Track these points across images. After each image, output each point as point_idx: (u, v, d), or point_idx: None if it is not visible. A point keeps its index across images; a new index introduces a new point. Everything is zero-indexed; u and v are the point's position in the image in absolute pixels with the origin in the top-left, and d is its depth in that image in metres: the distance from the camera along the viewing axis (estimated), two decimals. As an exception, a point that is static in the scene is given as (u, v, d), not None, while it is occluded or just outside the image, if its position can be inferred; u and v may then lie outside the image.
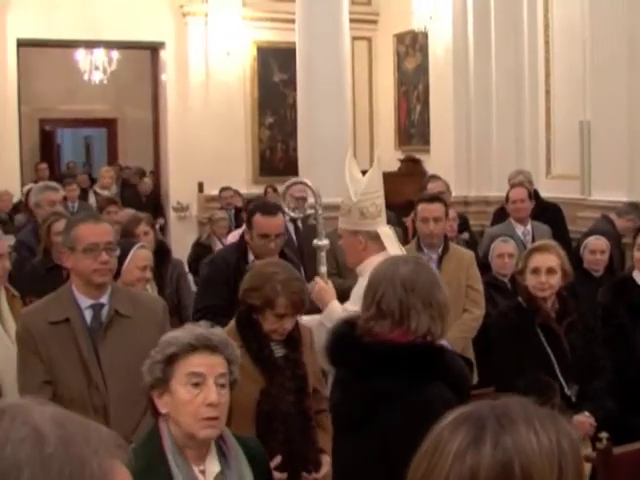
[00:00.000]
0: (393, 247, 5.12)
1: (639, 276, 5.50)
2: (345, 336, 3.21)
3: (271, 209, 5.74)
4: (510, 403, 1.50)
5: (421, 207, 6.37)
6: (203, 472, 2.94)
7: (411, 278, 3.17)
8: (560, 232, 8.30)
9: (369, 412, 3.03)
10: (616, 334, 5.28)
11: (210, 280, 5.68)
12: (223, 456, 3.00)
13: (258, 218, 5.60)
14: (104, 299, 4.13)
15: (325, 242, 5.07)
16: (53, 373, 4.00)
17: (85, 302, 4.10)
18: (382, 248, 5.04)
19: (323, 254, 5.09)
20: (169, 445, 2.91)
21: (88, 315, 4.09)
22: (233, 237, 7.96)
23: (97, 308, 4.11)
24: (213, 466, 2.96)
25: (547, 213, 8.78)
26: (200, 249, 9.75)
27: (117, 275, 4.89)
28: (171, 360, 2.92)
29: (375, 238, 5.03)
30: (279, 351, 4.18)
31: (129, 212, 8.55)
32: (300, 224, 8.21)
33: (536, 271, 5.05)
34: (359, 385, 3.06)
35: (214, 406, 2.88)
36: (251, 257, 5.63)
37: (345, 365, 3.18)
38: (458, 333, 5.91)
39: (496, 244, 7.01)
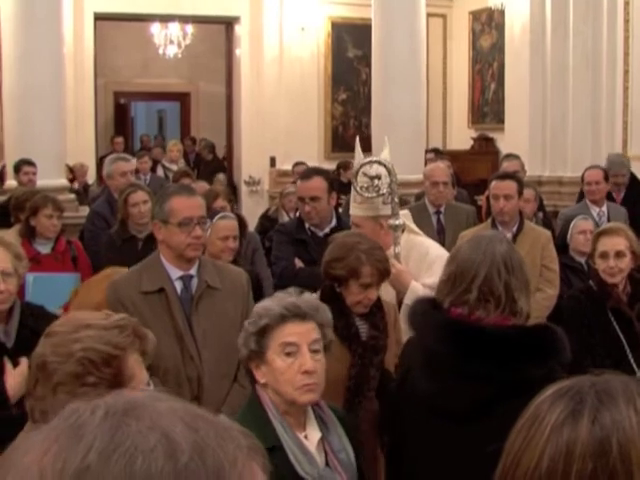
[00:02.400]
0: (414, 226, 5.14)
1: None
2: (457, 323, 3.00)
3: (308, 173, 5.96)
4: (611, 379, 1.49)
5: (493, 184, 6.39)
6: (306, 438, 3.00)
7: (510, 257, 3.05)
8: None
9: (500, 400, 2.83)
10: None
11: (280, 242, 5.88)
12: (322, 422, 3.06)
13: (298, 183, 5.91)
14: (193, 271, 4.16)
15: (400, 221, 5.03)
16: None
17: (175, 273, 4.14)
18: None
19: (398, 234, 5.05)
20: (272, 411, 2.97)
21: (178, 286, 4.13)
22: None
23: (187, 280, 4.14)
24: (314, 432, 3.02)
25: None
26: (267, 222, 9.73)
27: None
28: (264, 331, 2.97)
29: None
30: (362, 327, 4.19)
31: (203, 185, 8.63)
32: None
33: (604, 255, 4.96)
34: (491, 373, 2.87)
35: (310, 373, 2.93)
36: (307, 224, 5.81)
37: (461, 352, 2.95)
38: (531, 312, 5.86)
39: (576, 221, 6.92)
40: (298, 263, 5.58)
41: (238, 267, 4.66)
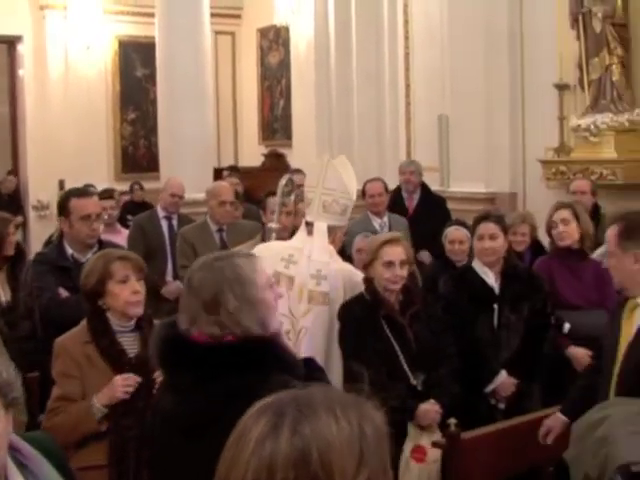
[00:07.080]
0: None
1: (478, 266, 5.54)
2: (173, 339, 2.98)
3: (86, 191, 5.90)
4: (313, 391, 1.55)
5: (271, 200, 6.47)
6: None
7: (234, 272, 2.95)
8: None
9: (222, 413, 2.85)
10: (458, 323, 5.32)
11: (40, 272, 5.56)
12: (24, 467, 2.73)
13: (75, 202, 5.52)
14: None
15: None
16: None
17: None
18: None
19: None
20: None
21: None
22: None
23: None
24: None
25: (436, 206, 8.92)
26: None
27: None
28: None
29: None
30: (133, 346, 4.15)
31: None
32: (175, 221, 8.19)
33: (390, 264, 5.03)
34: (206, 388, 2.84)
35: None
36: (69, 251, 5.52)
37: (180, 368, 2.94)
38: None
39: (450, 230, 6.79)
40: (63, 292, 5.33)
41: None
